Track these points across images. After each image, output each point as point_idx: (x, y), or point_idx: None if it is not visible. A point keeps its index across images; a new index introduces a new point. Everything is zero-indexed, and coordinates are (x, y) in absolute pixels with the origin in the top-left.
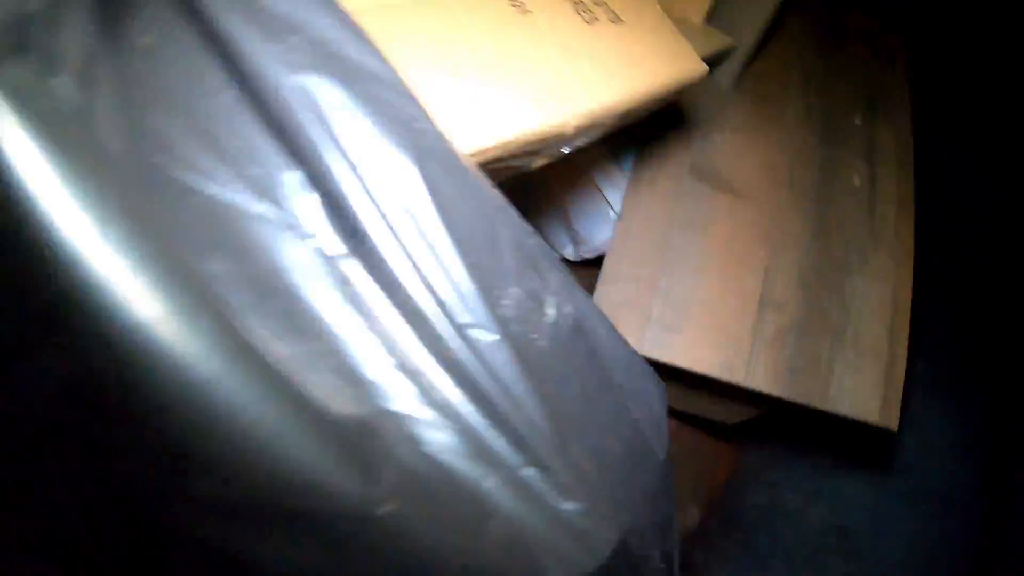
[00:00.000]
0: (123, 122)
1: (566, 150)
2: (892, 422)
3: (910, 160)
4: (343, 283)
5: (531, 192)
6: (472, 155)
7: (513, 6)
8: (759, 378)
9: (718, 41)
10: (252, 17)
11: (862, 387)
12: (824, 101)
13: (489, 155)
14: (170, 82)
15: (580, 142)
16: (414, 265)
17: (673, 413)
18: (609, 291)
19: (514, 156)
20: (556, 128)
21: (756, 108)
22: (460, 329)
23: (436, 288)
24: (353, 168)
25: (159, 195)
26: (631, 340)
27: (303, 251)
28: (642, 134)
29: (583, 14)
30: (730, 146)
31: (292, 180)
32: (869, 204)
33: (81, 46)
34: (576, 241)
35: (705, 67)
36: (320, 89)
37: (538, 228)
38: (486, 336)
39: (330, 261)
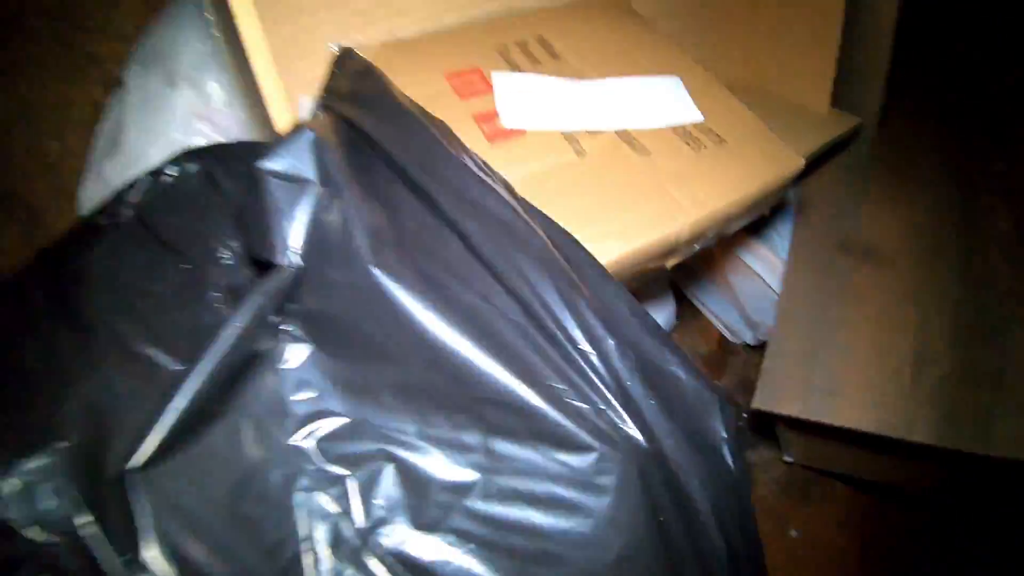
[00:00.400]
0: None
1: (696, 248)
2: None
3: None
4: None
5: (711, 291)
6: (613, 262)
7: (635, 151)
8: (918, 431)
9: (844, 123)
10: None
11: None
12: (959, 149)
13: (624, 262)
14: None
15: (700, 244)
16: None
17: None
18: (774, 366)
19: (647, 260)
20: (671, 237)
21: (893, 172)
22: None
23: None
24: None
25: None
26: (794, 409)
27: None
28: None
29: (691, 144)
30: (872, 216)
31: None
32: (1018, 246)
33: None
34: (754, 327)
35: (801, 161)
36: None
37: (723, 323)
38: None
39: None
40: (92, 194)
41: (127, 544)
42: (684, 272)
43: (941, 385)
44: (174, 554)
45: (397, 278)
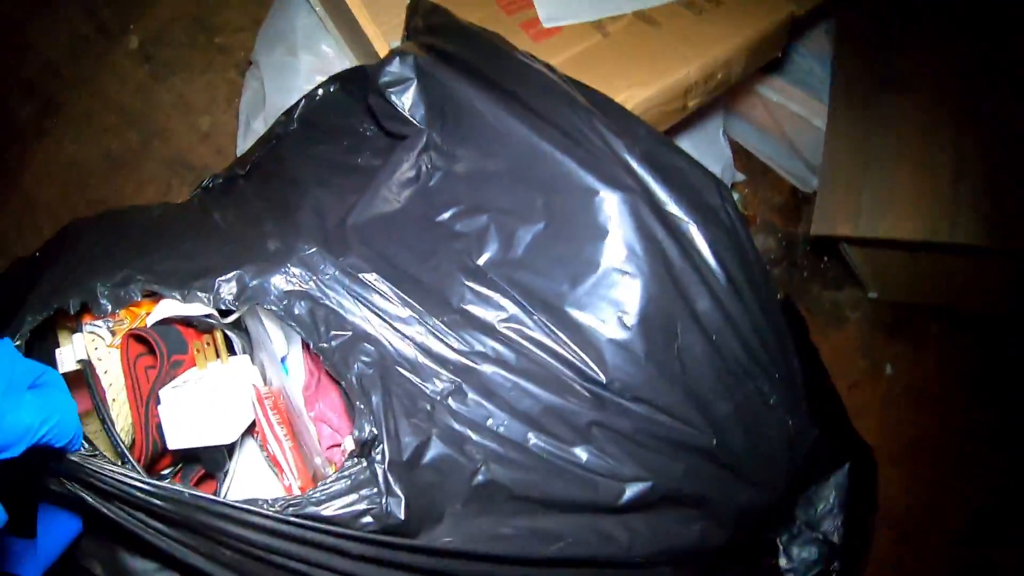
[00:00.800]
0: None
1: (710, 88)
2: None
3: None
4: None
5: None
6: (638, 104)
7: (648, 24)
8: (960, 234)
9: None
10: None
11: None
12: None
13: (649, 103)
14: None
15: (713, 85)
16: None
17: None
18: (826, 194)
19: (668, 101)
20: (682, 80)
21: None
22: None
23: None
24: None
25: None
26: (848, 229)
27: None
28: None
29: (692, 9)
30: (907, 52)
31: None
32: None
33: None
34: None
35: (790, 7)
36: None
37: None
38: None
39: None
40: (246, 146)
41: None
42: (746, 130)
43: (977, 192)
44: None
45: (494, 112)
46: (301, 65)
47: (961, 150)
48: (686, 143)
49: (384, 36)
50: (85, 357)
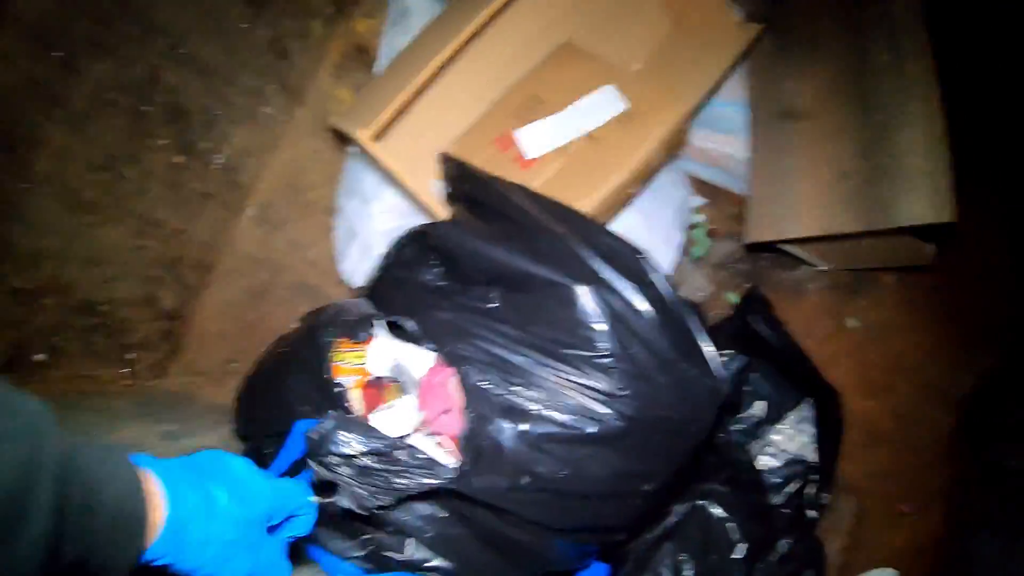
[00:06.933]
0: None
1: (643, 179)
2: (949, 215)
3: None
4: None
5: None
6: (596, 205)
7: (594, 142)
8: (849, 224)
9: (749, 32)
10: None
11: (919, 199)
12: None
13: (605, 201)
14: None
15: (643, 177)
16: None
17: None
18: (752, 207)
19: (620, 192)
20: (621, 182)
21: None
22: None
23: None
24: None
25: None
26: (771, 235)
27: None
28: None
29: (620, 124)
30: (794, 86)
31: None
32: (896, 70)
33: None
34: None
35: (689, 105)
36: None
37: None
38: None
39: None
40: (346, 266)
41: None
42: (695, 167)
43: (857, 187)
44: None
45: (508, 253)
46: (373, 210)
47: (841, 158)
48: (650, 193)
49: (426, 188)
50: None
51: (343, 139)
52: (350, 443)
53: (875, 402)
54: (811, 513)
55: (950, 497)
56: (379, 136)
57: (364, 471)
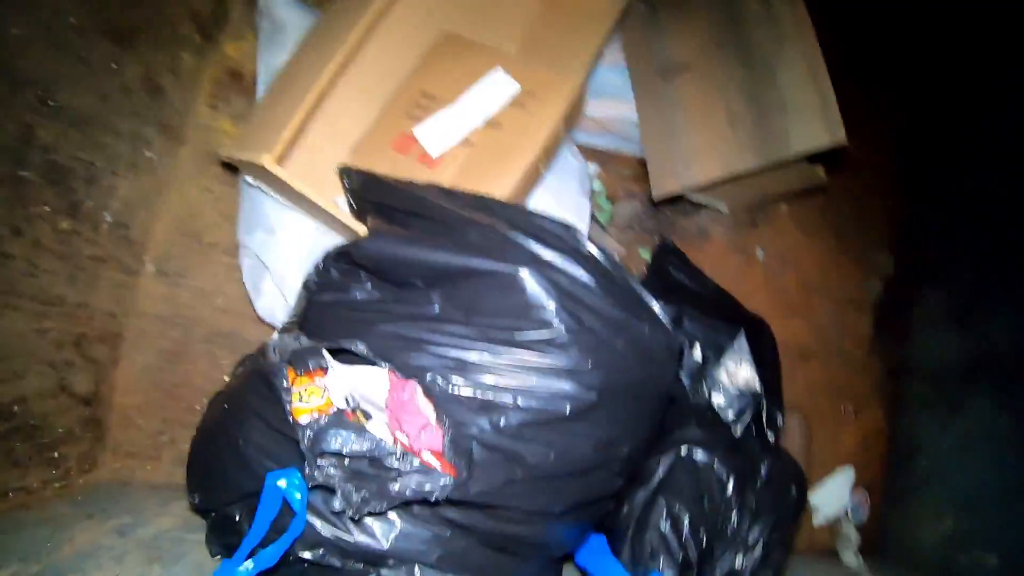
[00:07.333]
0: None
1: (551, 153)
2: (843, 137)
3: None
4: None
5: (613, 139)
6: (511, 189)
7: (494, 128)
8: (748, 161)
9: (617, 2)
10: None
11: (812, 126)
12: None
13: (518, 186)
14: None
15: (550, 152)
16: None
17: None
18: (652, 164)
19: (530, 175)
20: (532, 160)
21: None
22: None
23: None
24: None
25: None
26: (676, 187)
27: None
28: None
29: (520, 106)
30: (671, 41)
31: None
32: (768, 16)
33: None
34: None
35: (576, 85)
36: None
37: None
38: None
39: None
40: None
41: None
42: (587, 137)
43: (749, 127)
44: None
45: (441, 254)
46: (280, 239)
47: (729, 105)
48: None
49: (336, 204)
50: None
51: (234, 171)
52: (343, 441)
53: (797, 321)
54: (770, 436)
55: (883, 390)
56: (282, 159)
57: (358, 475)
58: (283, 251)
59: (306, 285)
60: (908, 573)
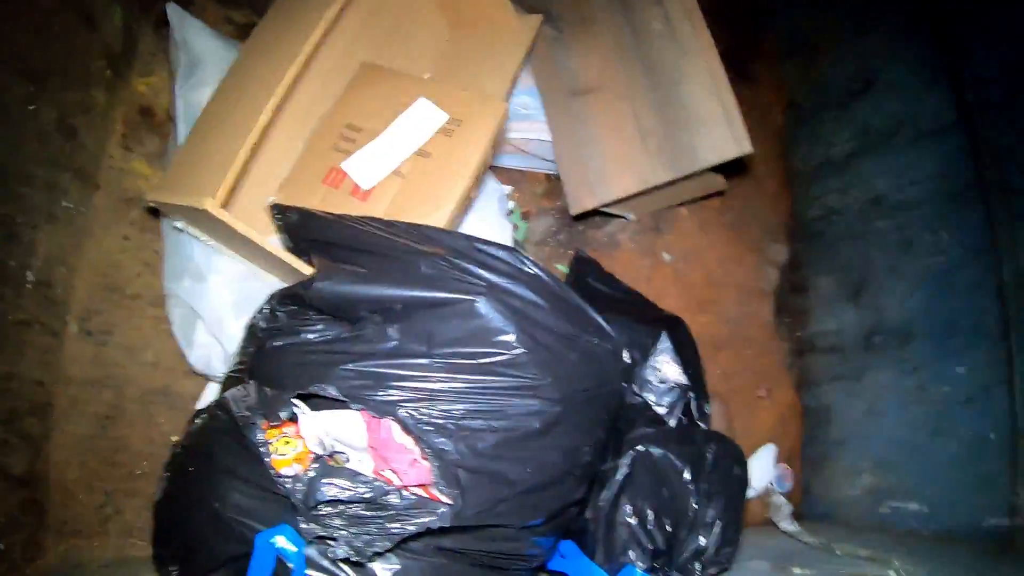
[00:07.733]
0: None
1: (480, 177)
2: (748, 147)
3: None
4: None
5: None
6: (448, 217)
7: (424, 157)
8: (657, 176)
9: (531, 24)
10: None
11: (718, 139)
12: None
13: (454, 213)
14: None
15: (480, 176)
16: None
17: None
18: (568, 182)
19: (464, 202)
20: (465, 186)
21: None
22: None
23: None
24: None
25: None
26: (593, 202)
27: None
28: None
29: (447, 134)
30: (578, 64)
31: None
32: (670, 34)
33: None
34: None
35: (503, 104)
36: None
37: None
38: None
39: None
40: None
41: None
42: (501, 160)
43: (661, 141)
44: None
45: (394, 289)
46: (212, 285)
47: (639, 121)
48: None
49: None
50: None
51: (153, 215)
52: (338, 488)
53: (707, 316)
54: (702, 425)
55: (791, 369)
56: (226, 203)
57: (357, 520)
58: (215, 297)
59: (251, 331)
60: (837, 528)
